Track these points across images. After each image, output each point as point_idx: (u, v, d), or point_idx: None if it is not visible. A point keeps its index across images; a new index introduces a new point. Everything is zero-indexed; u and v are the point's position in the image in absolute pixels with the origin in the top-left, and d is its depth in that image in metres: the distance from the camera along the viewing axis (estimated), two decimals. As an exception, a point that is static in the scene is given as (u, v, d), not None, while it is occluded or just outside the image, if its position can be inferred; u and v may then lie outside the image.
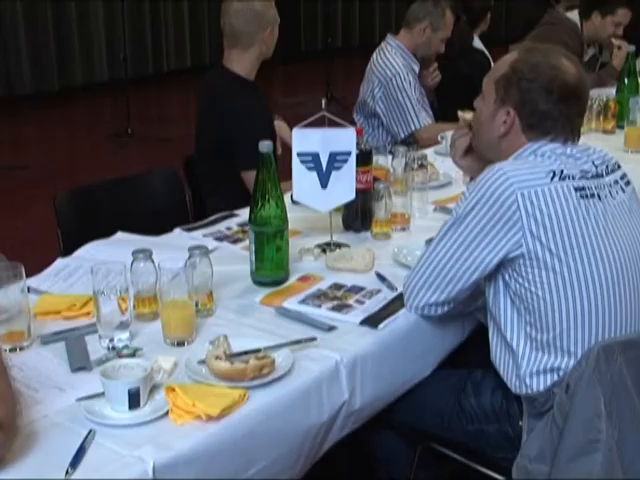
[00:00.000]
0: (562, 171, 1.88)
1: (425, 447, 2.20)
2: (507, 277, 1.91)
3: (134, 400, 1.59)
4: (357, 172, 2.41)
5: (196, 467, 1.53)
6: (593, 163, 1.94)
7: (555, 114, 1.94)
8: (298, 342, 1.88)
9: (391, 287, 2.20)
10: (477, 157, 2.22)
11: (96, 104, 9.06)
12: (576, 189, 1.87)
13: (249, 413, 1.66)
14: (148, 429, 1.57)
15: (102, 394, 1.62)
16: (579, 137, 2.00)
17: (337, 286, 2.22)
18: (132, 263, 1.99)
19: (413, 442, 2.23)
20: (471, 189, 1.91)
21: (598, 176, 1.92)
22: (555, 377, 1.87)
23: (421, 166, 2.93)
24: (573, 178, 1.88)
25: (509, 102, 1.99)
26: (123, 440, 1.52)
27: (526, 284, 1.87)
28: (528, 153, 1.96)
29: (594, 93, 4.07)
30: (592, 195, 1.88)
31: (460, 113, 3.22)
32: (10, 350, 1.86)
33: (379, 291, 2.18)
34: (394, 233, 2.63)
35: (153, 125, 8.18)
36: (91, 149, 7.41)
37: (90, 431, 1.54)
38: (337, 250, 2.45)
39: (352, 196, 2.40)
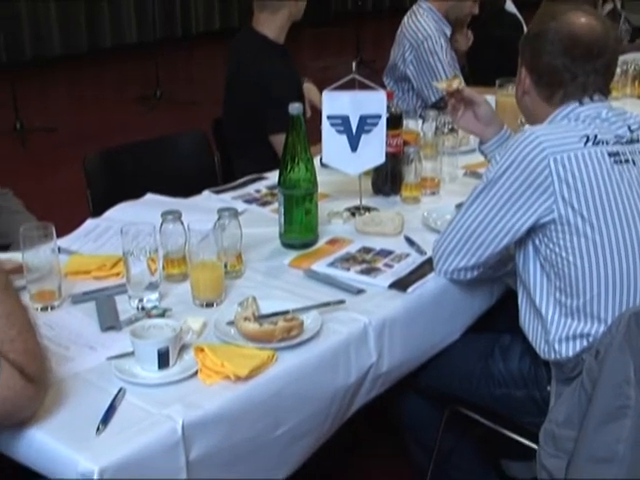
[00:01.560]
0: (596, 136, 1.85)
1: (452, 411, 2.20)
2: (537, 242, 1.90)
3: (163, 360, 1.60)
4: (387, 136, 2.38)
5: (224, 426, 1.54)
6: (629, 128, 1.91)
7: (559, 67, 1.91)
8: (327, 305, 1.87)
9: (420, 251, 2.20)
10: (472, 119, 2.27)
11: (125, 66, 9.05)
12: (610, 154, 1.84)
13: (277, 374, 1.66)
14: (177, 388, 1.58)
15: (132, 353, 1.63)
16: (604, 95, 1.96)
17: (366, 250, 2.21)
18: (161, 224, 1.99)
19: (440, 406, 2.22)
20: (502, 153, 1.89)
21: (633, 141, 1.89)
22: (584, 343, 1.86)
23: (451, 130, 2.92)
24: (607, 143, 1.85)
25: (524, 60, 2.00)
26: (152, 399, 1.53)
27: (557, 249, 1.86)
28: (561, 117, 1.94)
29: (629, 57, 3.98)
30: (626, 161, 1.86)
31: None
32: (41, 309, 1.88)
33: (408, 255, 2.17)
34: (424, 197, 2.62)
35: (182, 88, 8.17)
36: (120, 112, 7.42)
37: (120, 389, 1.55)
38: (366, 214, 2.45)
39: (382, 160, 2.38)
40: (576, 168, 1.80)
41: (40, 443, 1.44)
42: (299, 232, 2.24)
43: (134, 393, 1.55)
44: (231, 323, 1.78)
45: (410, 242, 2.26)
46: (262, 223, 2.38)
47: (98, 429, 1.44)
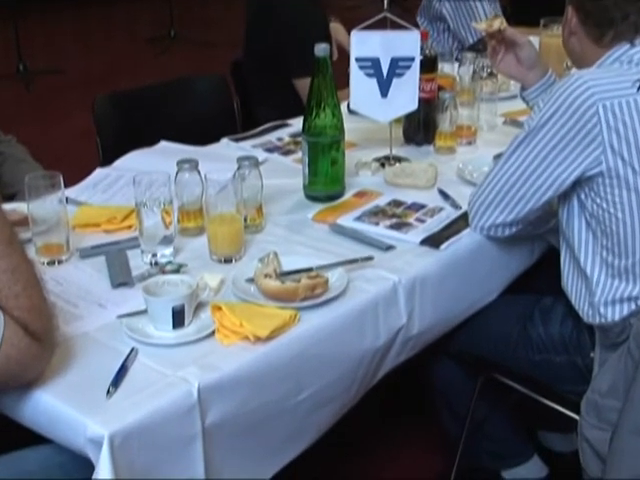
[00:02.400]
0: None
1: (487, 377, 2.19)
2: (583, 197, 1.87)
3: (178, 318, 1.60)
4: (420, 80, 2.36)
5: (242, 390, 1.54)
6: None
7: (609, 5, 1.88)
8: (353, 261, 1.87)
9: (455, 205, 2.19)
10: (514, 62, 2.23)
11: (136, 5, 8.98)
12: None
13: (300, 335, 1.65)
14: (193, 349, 1.58)
15: (144, 311, 1.62)
16: None
17: (396, 203, 2.21)
18: (177, 174, 1.98)
19: (474, 372, 2.22)
20: (546, 99, 1.84)
21: None
22: (632, 306, 1.84)
23: (490, 75, 2.88)
24: None
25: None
26: (167, 360, 1.53)
27: (604, 205, 1.83)
28: (612, 60, 1.91)
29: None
30: None
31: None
32: (47, 263, 1.89)
33: (441, 209, 2.17)
34: (459, 147, 2.60)
35: (197, 28, 8.14)
36: (131, 53, 7.42)
37: (132, 349, 1.55)
38: (397, 164, 2.43)
39: (414, 106, 2.36)
40: (627, 116, 1.76)
41: (46, 406, 1.43)
42: (324, 184, 2.23)
43: (147, 354, 1.55)
44: (251, 280, 1.78)
45: (444, 195, 2.25)
46: (284, 174, 2.38)
47: (108, 392, 1.44)
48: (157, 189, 1.86)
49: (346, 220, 2.11)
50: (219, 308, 1.64)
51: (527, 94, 2.28)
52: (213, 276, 1.80)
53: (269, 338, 1.60)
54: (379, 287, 1.84)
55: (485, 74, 2.85)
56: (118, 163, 2.45)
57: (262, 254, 1.88)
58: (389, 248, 1.98)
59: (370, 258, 1.89)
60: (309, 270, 1.78)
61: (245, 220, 2.00)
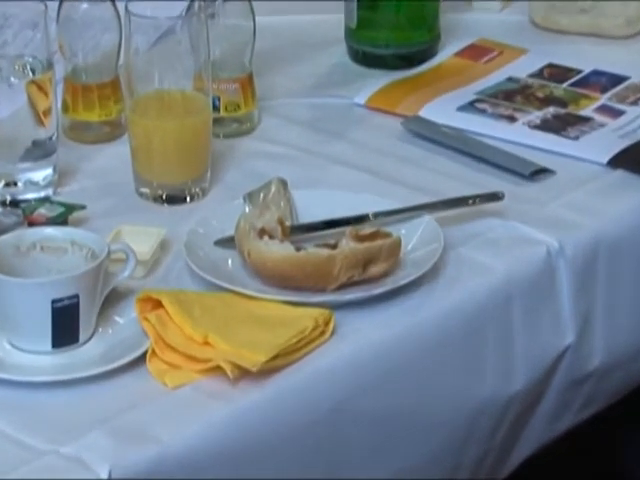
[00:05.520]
0: None
1: None
2: None
3: (65, 327, 1.31)
4: None
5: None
6: None
7: None
8: (458, 203, 1.50)
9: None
10: None
11: None
12: None
13: (338, 363, 1.31)
14: (97, 394, 1.25)
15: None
16: None
17: (555, 72, 1.85)
18: (60, 3, 1.67)
19: None
20: None
21: None
22: None
23: None
24: None
25: None
26: (40, 419, 1.22)
27: None
28: None
29: None
30: None
31: None
32: None
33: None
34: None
35: None
36: None
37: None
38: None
39: None
40: None
41: None
42: (395, 26, 1.87)
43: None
44: (229, 243, 1.45)
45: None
46: (302, 6, 2.03)
47: None
48: (19, 34, 1.60)
49: (440, 109, 1.75)
50: (157, 304, 1.33)
51: None
52: (143, 233, 1.47)
53: (268, 370, 1.26)
54: (514, 261, 1.47)
55: None
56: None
57: (253, 184, 1.54)
58: (538, 174, 1.60)
59: (496, 196, 1.52)
60: (358, 221, 1.46)
61: (216, 106, 1.66)
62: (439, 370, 1.41)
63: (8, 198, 1.58)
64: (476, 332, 1.44)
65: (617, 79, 1.83)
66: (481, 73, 1.86)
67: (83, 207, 1.51)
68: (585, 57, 1.91)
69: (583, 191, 1.62)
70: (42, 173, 1.59)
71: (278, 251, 1.38)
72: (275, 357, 1.25)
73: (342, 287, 1.35)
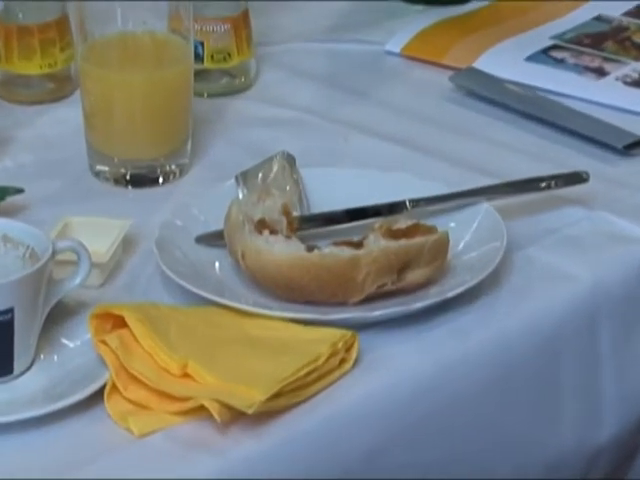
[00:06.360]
0: None
1: None
2: None
3: None
4: None
5: None
6: None
7: None
8: (523, 186, 1.35)
9: None
10: None
11: None
12: None
13: (363, 403, 1.16)
14: (38, 445, 1.11)
15: None
16: None
17: None
18: None
19: None
20: None
21: None
22: None
23: None
24: None
25: None
26: None
27: None
28: None
29: None
30: None
31: None
32: None
33: None
34: None
35: None
36: None
37: None
38: None
39: None
40: None
41: None
42: None
43: None
44: (216, 239, 1.33)
45: None
46: None
47: None
48: None
49: (502, 59, 1.64)
50: (119, 322, 1.22)
51: None
52: (99, 225, 1.35)
53: (269, 413, 1.12)
54: (603, 266, 1.32)
55: None
56: None
57: (249, 160, 1.42)
58: (635, 147, 1.48)
59: (579, 178, 1.36)
60: (391, 211, 1.33)
61: (199, 56, 1.54)
62: (502, 412, 1.25)
63: None
64: (551, 361, 1.29)
65: None
66: (558, 10, 1.72)
67: (19, 191, 1.37)
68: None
69: None
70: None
71: (283, 251, 1.23)
72: (278, 395, 1.10)
73: (369, 300, 1.20)
